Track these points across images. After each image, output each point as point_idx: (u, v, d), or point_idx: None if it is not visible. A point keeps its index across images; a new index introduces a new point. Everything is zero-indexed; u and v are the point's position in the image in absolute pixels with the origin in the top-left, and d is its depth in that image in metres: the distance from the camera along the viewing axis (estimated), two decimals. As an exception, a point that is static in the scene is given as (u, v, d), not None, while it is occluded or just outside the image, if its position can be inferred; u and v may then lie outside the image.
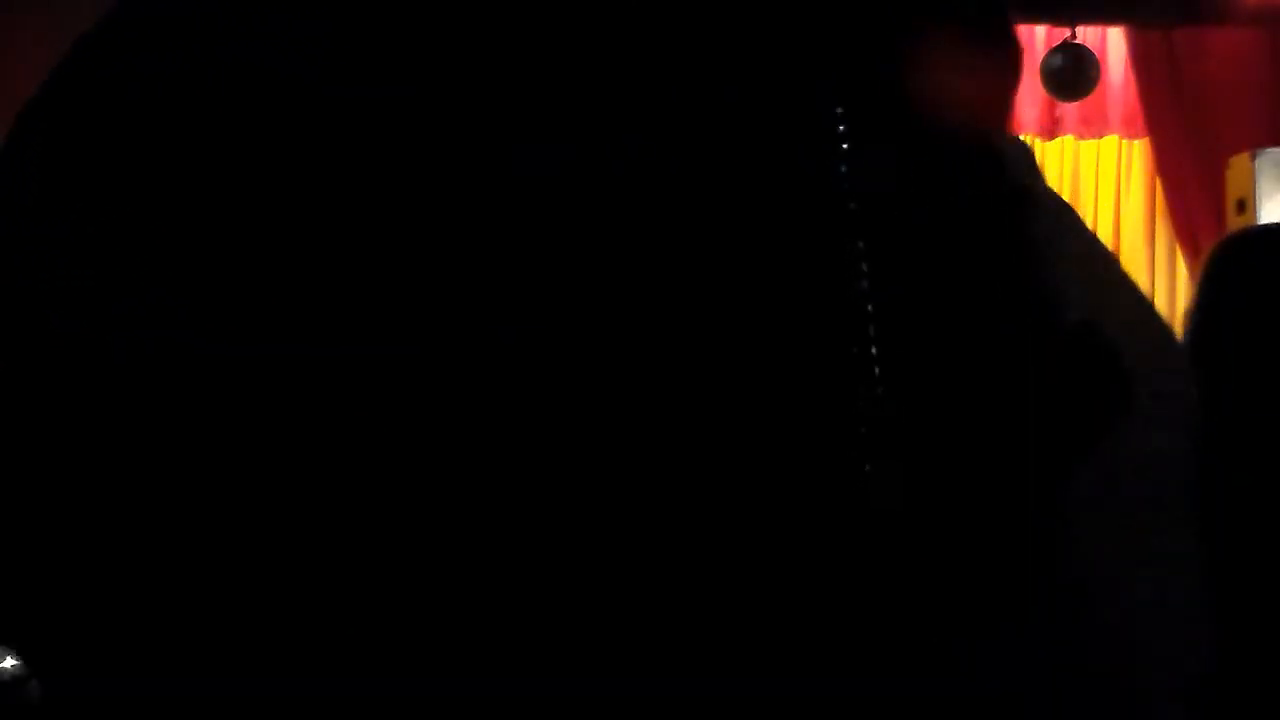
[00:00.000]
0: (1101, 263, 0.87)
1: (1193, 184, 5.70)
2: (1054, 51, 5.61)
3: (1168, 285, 6.06)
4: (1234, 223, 5.15)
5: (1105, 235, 6.06)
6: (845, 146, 0.69)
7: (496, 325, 0.68)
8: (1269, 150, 5.20)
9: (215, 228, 0.69)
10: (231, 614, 0.72)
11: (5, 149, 0.73)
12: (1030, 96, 5.76)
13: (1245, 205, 5.16)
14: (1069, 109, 5.87)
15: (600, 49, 0.71)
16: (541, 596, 0.68)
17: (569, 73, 0.70)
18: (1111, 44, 5.89)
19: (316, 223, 0.69)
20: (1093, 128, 5.99)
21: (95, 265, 0.70)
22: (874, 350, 0.68)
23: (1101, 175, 6.08)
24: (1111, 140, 6.05)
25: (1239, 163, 5.27)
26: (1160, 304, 6.03)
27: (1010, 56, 0.78)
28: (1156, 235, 6.07)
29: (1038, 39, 5.80)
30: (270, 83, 0.70)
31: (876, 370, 0.68)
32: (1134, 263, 6.09)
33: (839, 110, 0.70)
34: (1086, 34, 5.72)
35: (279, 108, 0.70)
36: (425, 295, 0.68)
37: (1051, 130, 5.94)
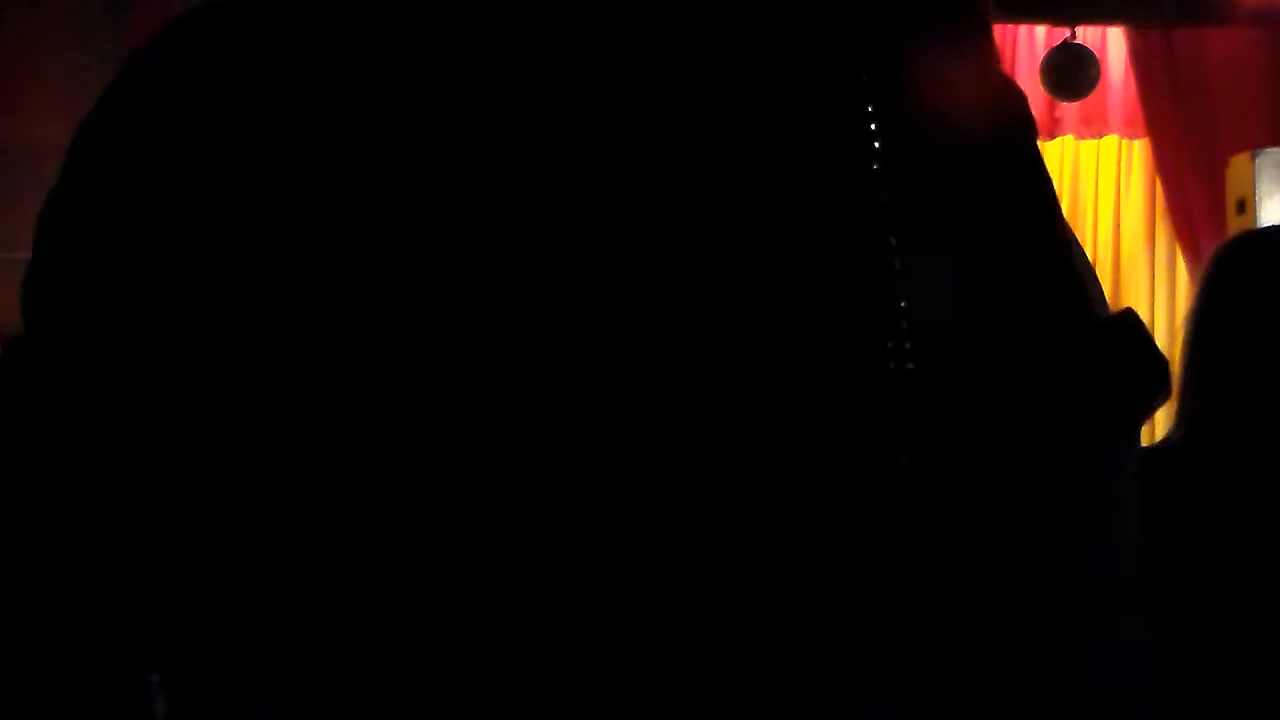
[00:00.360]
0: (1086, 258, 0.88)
1: (1193, 184, 5.70)
2: (1054, 51, 5.60)
3: (1168, 285, 6.06)
4: (1234, 223, 5.15)
5: (1105, 235, 6.06)
6: (876, 144, 0.70)
7: (513, 319, 0.68)
8: (1269, 150, 5.20)
9: (243, 231, 0.70)
10: (238, 611, 0.72)
11: (66, 161, 0.76)
12: (1030, 97, 5.75)
13: (1245, 205, 5.16)
14: (1069, 109, 5.87)
15: (624, 42, 0.71)
16: (556, 589, 0.68)
17: (592, 65, 0.70)
18: (1111, 44, 5.89)
19: (332, 222, 0.69)
20: (1093, 128, 5.99)
21: (136, 270, 0.71)
22: (908, 342, 0.69)
23: (1101, 175, 6.08)
24: (1111, 140, 6.05)
25: (1239, 163, 5.27)
26: (1160, 304, 6.03)
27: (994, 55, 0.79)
28: (1156, 235, 6.07)
29: (1038, 39, 5.80)
30: (295, 89, 0.71)
31: (909, 364, 0.68)
32: (1134, 263, 6.09)
33: (869, 108, 0.70)
34: (1086, 34, 5.71)
35: (302, 114, 0.70)
36: (439, 292, 0.68)
37: (1051, 130, 5.93)
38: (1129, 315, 0.78)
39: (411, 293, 0.69)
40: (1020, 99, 0.81)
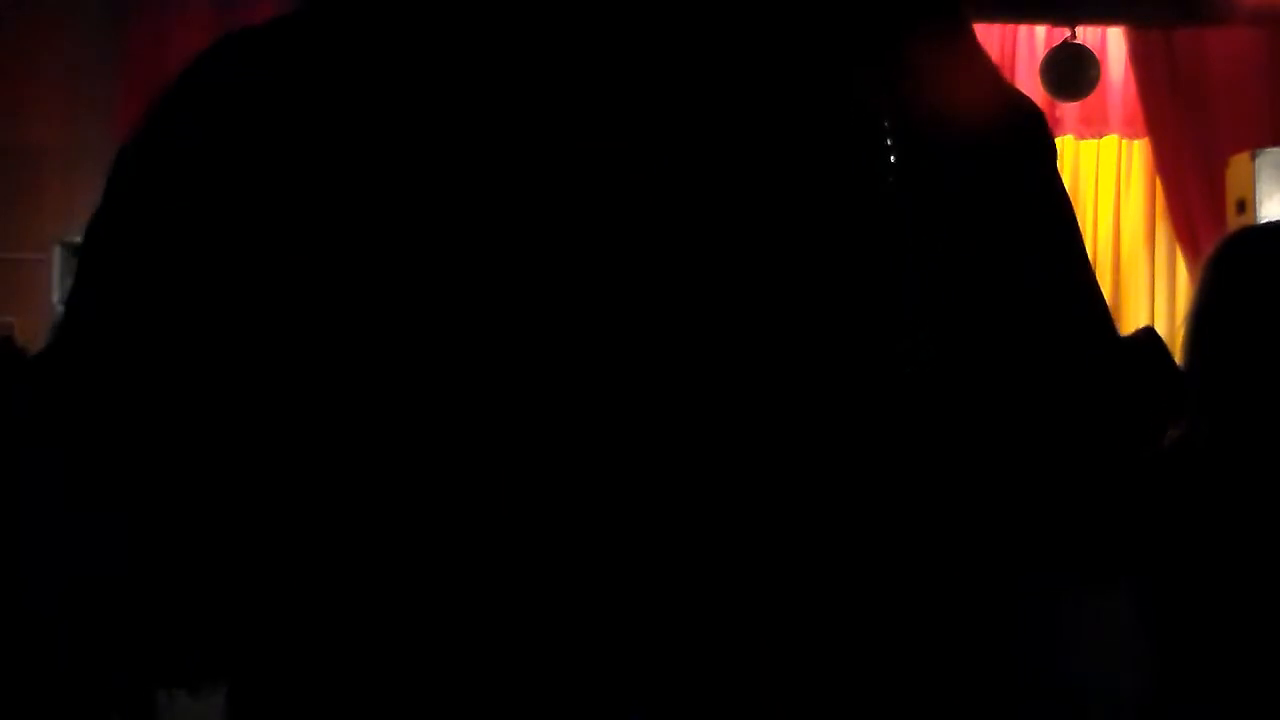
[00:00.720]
0: None
1: (1193, 184, 5.70)
2: (1054, 51, 5.61)
3: (1168, 285, 6.06)
4: (1234, 223, 5.14)
5: (1105, 235, 6.06)
6: (892, 157, 0.70)
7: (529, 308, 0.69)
8: (1269, 150, 5.20)
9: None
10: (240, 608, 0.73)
11: (112, 176, 0.79)
12: (1030, 97, 5.75)
13: (1245, 205, 5.16)
14: (1069, 109, 5.87)
15: (638, 51, 0.71)
16: (562, 581, 0.68)
17: (605, 72, 0.71)
18: (1111, 44, 5.89)
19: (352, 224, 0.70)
20: (1093, 128, 5.99)
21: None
22: (922, 339, 0.69)
23: (1101, 175, 6.08)
24: (1111, 140, 6.05)
25: (1239, 163, 5.27)
26: (1160, 304, 6.03)
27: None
28: (1156, 235, 6.07)
29: (1038, 39, 5.80)
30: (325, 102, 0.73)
31: (920, 364, 0.69)
32: (1134, 263, 6.08)
33: (885, 113, 0.70)
34: (1086, 34, 5.71)
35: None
36: (458, 299, 0.69)
37: (1051, 130, 5.93)
38: (1151, 334, 0.78)
39: (430, 300, 0.69)
40: (1031, 112, 0.81)
